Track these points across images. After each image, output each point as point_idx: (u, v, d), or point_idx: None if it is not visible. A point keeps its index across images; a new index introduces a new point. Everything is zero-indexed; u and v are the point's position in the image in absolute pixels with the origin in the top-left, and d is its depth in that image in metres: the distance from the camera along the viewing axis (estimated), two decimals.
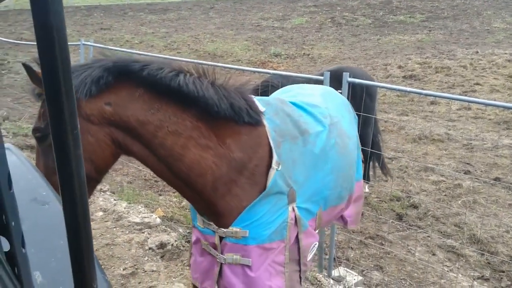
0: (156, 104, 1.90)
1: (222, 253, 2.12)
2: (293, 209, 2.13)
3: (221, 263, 2.14)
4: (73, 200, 0.56)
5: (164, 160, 1.95)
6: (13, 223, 0.66)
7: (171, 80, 1.90)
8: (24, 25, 17.94)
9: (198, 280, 2.30)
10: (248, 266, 2.06)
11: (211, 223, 2.13)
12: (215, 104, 1.95)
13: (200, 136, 1.95)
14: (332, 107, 2.67)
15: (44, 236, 1.33)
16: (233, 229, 2.05)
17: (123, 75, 1.89)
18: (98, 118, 1.85)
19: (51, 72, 0.50)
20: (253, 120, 2.05)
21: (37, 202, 1.45)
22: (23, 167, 1.53)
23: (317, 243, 2.37)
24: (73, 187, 0.55)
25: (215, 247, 2.16)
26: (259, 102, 2.19)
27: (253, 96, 2.20)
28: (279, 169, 2.05)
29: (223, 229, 2.08)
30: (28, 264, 0.73)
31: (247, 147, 2.05)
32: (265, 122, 2.10)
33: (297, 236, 2.18)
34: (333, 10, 21.38)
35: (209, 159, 1.96)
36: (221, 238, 2.12)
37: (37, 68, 1.90)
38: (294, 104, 2.46)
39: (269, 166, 2.05)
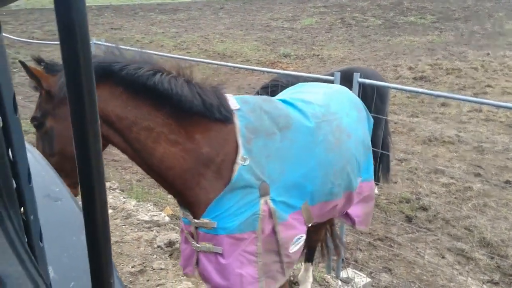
0: (133, 101, 2.09)
1: (197, 241, 2.28)
2: (266, 202, 2.23)
3: (198, 251, 2.31)
4: (92, 194, 0.57)
5: (139, 153, 2.13)
6: (32, 217, 0.67)
7: (147, 79, 2.07)
8: (35, 24, 18.09)
9: (182, 265, 2.48)
10: (221, 254, 2.21)
11: (188, 213, 2.28)
12: (187, 101, 2.10)
13: (170, 132, 2.11)
14: (334, 105, 2.73)
15: (56, 232, 1.34)
16: (203, 220, 2.20)
17: (105, 74, 2.06)
18: None
19: (73, 68, 0.50)
20: (223, 117, 2.18)
21: (50, 198, 1.47)
22: (36, 164, 1.54)
23: (304, 235, 2.46)
24: (92, 181, 0.56)
25: (192, 236, 2.32)
26: (235, 100, 2.32)
27: (228, 95, 2.34)
28: (245, 164, 2.17)
29: (195, 219, 2.23)
30: (45, 257, 0.73)
31: (215, 143, 2.18)
32: (236, 119, 2.23)
33: (274, 228, 2.28)
34: (343, 10, 21.32)
35: (178, 154, 2.12)
36: (196, 228, 2.27)
37: (36, 66, 2.18)
38: (284, 101, 2.58)
39: (235, 161, 2.18)
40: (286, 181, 2.33)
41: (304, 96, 2.74)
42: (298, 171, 2.37)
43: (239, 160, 2.16)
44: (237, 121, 2.22)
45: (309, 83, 3.37)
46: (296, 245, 2.43)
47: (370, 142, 3.02)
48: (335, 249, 3.81)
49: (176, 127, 2.12)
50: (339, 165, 2.56)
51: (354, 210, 2.96)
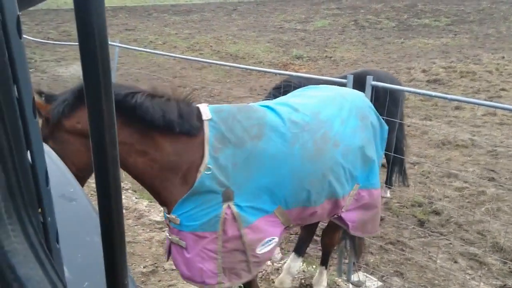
0: None
1: (170, 234, 2.58)
2: (229, 207, 2.45)
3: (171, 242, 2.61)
4: (108, 196, 0.58)
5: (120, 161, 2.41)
6: (49, 219, 0.68)
7: (119, 101, 2.33)
8: (51, 25, 18.31)
9: (165, 255, 2.78)
10: (185, 248, 2.51)
11: (165, 208, 2.59)
12: (149, 118, 2.38)
13: (138, 144, 2.39)
14: (327, 112, 2.83)
15: (70, 232, 1.35)
16: (171, 216, 2.50)
17: (82, 98, 2.36)
18: (74, 132, 2.37)
19: (91, 71, 0.51)
20: (186, 130, 2.43)
21: (65, 199, 1.48)
22: (52, 164, 1.56)
23: (275, 238, 2.65)
24: (108, 184, 0.57)
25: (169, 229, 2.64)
26: (209, 110, 2.54)
27: (203, 105, 2.58)
28: (207, 172, 2.41)
29: (167, 214, 2.54)
30: (61, 259, 0.74)
31: (182, 153, 2.44)
32: (206, 129, 2.46)
33: (239, 231, 2.50)
34: (357, 12, 21.25)
35: (146, 163, 2.42)
36: (169, 221, 2.58)
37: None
38: (270, 108, 2.73)
39: (199, 169, 2.43)
40: (254, 188, 2.51)
41: (298, 101, 2.87)
42: (268, 178, 2.52)
43: (201, 169, 2.41)
44: (207, 131, 2.45)
45: (316, 85, 3.38)
46: (266, 247, 2.63)
47: (373, 150, 3.00)
48: (355, 250, 3.89)
49: (144, 139, 2.40)
50: (318, 173, 2.67)
51: (349, 215, 3.02)
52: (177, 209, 2.46)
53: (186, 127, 2.43)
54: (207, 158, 2.40)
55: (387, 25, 18.60)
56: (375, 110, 3.15)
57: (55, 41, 13.95)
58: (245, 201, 2.49)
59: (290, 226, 2.82)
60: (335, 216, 2.99)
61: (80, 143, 2.38)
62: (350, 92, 3.18)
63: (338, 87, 3.44)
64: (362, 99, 3.16)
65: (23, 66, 0.59)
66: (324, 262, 3.90)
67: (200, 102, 2.70)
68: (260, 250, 2.59)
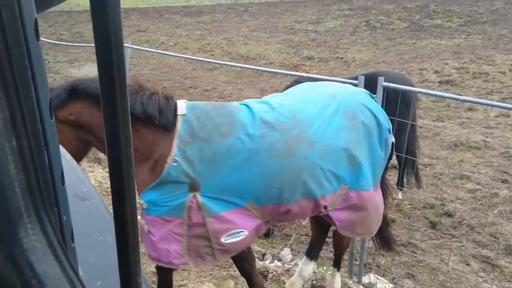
0: (97, 111, 2.64)
1: (141, 218, 2.74)
2: (195, 196, 2.63)
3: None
4: (122, 196, 0.59)
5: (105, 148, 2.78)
6: (64, 218, 0.69)
7: (97, 93, 2.69)
8: (64, 26, 18.50)
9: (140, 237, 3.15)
10: (151, 232, 2.68)
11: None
12: (135, 111, 2.60)
13: None
14: (309, 111, 2.88)
15: (84, 232, 1.37)
16: (139, 201, 2.65)
17: (74, 93, 2.68)
18: (66, 122, 2.67)
19: (107, 73, 0.52)
20: (162, 124, 2.65)
21: (79, 198, 1.50)
22: (66, 164, 1.58)
23: (245, 231, 2.78)
24: (123, 183, 0.58)
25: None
26: (186, 105, 2.73)
27: (181, 101, 2.78)
28: (174, 164, 2.59)
29: (137, 200, 2.72)
30: (76, 258, 0.76)
31: (153, 144, 2.66)
32: (179, 124, 2.65)
33: (204, 219, 2.68)
34: (368, 13, 21.15)
35: None
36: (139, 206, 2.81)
37: None
38: (247, 106, 2.85)
39: (166, 160, 2.62)
40: (222, 182, 2.67)
41: (281, 100, 2.97)
42: (235, 174, 2.66)
43: (168, 160, 2.60)
44: (179, 126, 2.65)
45: (313, 82, 3.37)
46: (234, 238, 2.76)
47: (363, 151, 2.95)
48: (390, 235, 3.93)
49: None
50: (289, 172, 2.73)
51: (336, 214, 3.04)
52: (145, 195, 2.66)
53: (163, 120, 2.65)
54: (174, 151, 2.61)
55: (399, 26, 18.48)
56: (374, 109, 3.05)
57: (68, 42, 14.09)
58: (212, 193, 2.66)
59: (270, 221, 2.93)
60: (322, 214, 3.04)
61: (70, 132, 2.70)
62: (343, 91, 3.11)
63: (337, 83, 3.39)
64: (354, 98, 3.07)
65: (41, 68, 0.60)
66: (336, 263, 3.89)
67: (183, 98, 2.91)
68: (226, 239, 2.74)
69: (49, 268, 0.60)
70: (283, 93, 3.21)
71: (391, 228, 3.91)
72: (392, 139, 3.15)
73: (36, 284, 0.59)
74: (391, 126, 3.14)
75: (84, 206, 1.49)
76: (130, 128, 0.57)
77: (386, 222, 3.76)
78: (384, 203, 3.50)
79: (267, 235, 5.24)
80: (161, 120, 2.65)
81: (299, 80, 5.08)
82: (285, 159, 2.72)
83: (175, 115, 2.68)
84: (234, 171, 2.66)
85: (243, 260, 3.24)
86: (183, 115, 2.68)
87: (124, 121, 0.55)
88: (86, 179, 1.62)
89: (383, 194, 3.49)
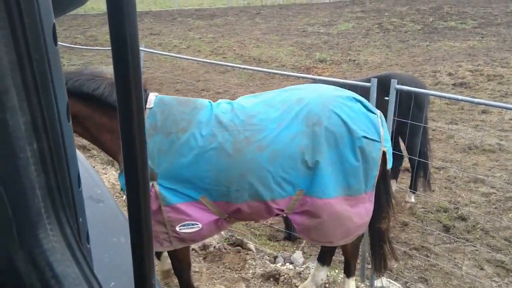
0: (81, 105, 2.86)
1: None
2: (153, 186, 2.82)
3: None
4: (137, 196, 0.60)
5: (91, 136, 3.01)
6: (80, 219, 0.71)
7: (81, 86, 2.87)
8: (78, 30, 18.70)
9: None
10: None
11: None
12: (109, 101, 2.85)
13: (109, 124, 2.89)
14: (268, 115, 2.94)
15: (98, 233, 1.39)
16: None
17: None
18: None
19: (123, 76, 0.53)
20: None
21: (93, 200, 1.52)
22: (80, 166, 1.61)
23: (199, 224, 2.95)
24: (137, 184, 0.59)
25: None
26: (155, 99, 2.93)
27: (153, 94, 2.99)
28: None
29: None
30: (91, 258, 0.77)
31: None
32: (145, 116, 2.82)
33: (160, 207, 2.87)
34: (381, 15, 21.05)
35: (114, 139, 2.93)
36: None
37: None
38: (210, 104, 3.03)
39: None
40: (177, 174, 2.84)
41: (246, 102, 3.08)
42: (187, 168, 2.83)
43: None
44: (146, 119, 2.82)
45: (297, 86, 3.36)
46: (188, 228, 2.95)
47: (321, 157, 2.88)
48: (384, 254, 3.74)
49: (109, 121, 2.89)
50: (235, 172, 2.85)
51: (294, 217, 3.11)
52: (120, 178, 3.12)
53: None
54: None
55: (412, 28, 18.36)
56: (346, 116, 2.94)
57: (83, 45, 14.23)
58: (169, 184, 2.85)
59: (226, 218, 3.08)
60: (282, 215, 3.18)
61: None
62: (313, 96, 3.03)
63: (324, 87, 3.28)
64: (322, 104, 2.98)
65: (58, 72, 0.62)
66: (345, 270, 3.81)
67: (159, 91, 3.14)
68: (181, 229, 2.92)
69: (67, 268, 0.61)
70: (257, 95, 3.25)
71: (390, 244, 3.71)
72: (375, 147, 2.99)
73: (55, 284, 0.60)
74: (372, 134, 2.99)
75: (98, 208, 1.51)
76: (145, 128, 0.58)
77: (382, 239, 3.61)
78: (378, 218, 3.43)
79: (288, 238, 5.22)
80: None
81: (315, 83, 5.05)
82: (233, 159, 2.84)
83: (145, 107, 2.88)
84: (187, 166, 2.83)
85: (177, 261, 3.43)
86: (150, 108, 2.88)
87: (139, 122, 0.56)
88: (100, 181, 1.64)
89: (380, 210, 3.40)
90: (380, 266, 3.75)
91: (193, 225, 2.95)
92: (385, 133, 3.10)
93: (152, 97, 2.94)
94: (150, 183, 2.80)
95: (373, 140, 2.98)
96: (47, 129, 0.59)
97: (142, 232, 0.62)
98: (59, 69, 0.62)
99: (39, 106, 0.57)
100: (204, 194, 2.91)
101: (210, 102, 3.07)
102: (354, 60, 14.05)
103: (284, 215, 3.17)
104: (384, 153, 3.07)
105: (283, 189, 2.92)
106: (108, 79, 2.96)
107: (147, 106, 2.89)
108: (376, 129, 3.01)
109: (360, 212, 3.13)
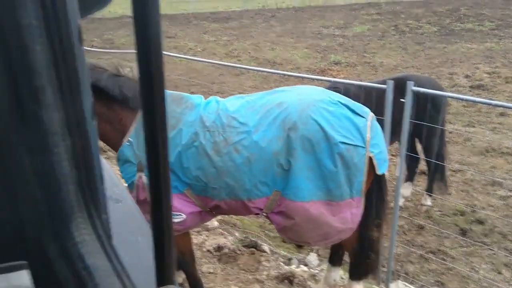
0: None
1: None
2: (141, 177, 2.98)
3: None
4: (159, 195, 0.61)
5: None
6: (104, 216, 0.73)
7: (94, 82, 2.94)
8: (95, 33, 18.95)
9: None
10: None
11: None
12: (110, 93, 3.02)
13: (107, 114, 3.06)
14: (246, 119, 3.01)
15: (117, 233, 1.41)
16: None
17: None
18: None
19: (147, 78, 0.55)
20: (134, 107, 3.04)
21: (112, 200, 1.55)
22: None
23: (184, 216, 3.13)
24: (160, 183, 0.60)
25: None
26: None
27: None
28: (128, 144, 3.01)
29: None
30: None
31: (124, 124, 3.07)
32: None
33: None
34: (397, 17, 20.92)
35: (111, 130, 3.11)
36: None
37: None
38: (199, 104, 3.15)
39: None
40: None
41: (229, 104, 3.15)
42: (174, 162, 2.98)
43: (124, 140, 3.02)
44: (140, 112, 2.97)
45: (284, 88, 3.37)
46: (173, 218, 2.99)
47: (295, 161, 2.87)
48: (368, 264, 3.59)
49: (108, 111, 3.06)
50: (213, 171, 2.98)
51: (273, 216, 3.19)
52: (120, 151, 3.13)
53: (134, 104, 3.05)
54: (131, 132, 3.01)
55: (429, 30, 18.21)
56: (324, 122, 2.89)
57: (99, 48, 14.41)
58: None
59: (207, 211, 3.23)
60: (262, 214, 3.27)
61: None
62: (292, 101, 3.01)
63: (309, 89, 3.25)
64: (301, 109, 2.95)
65: (84, 71, 0.64)
66: (351, 274, 3.69)
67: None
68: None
69: (98, 261, 0.63)
70: (244, 96, 3.31)
71: (378, 255, 3.58)
72: (358, 152, 2.93)
73: (86, 276, 0.62)
74: (354, 139, 2.92)
75: (116, 207, 1.53)
76: (168, 130, 0.59)
77: (372, 248, 3.48)
78: (370, 225, 3.36)
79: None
80: (132, 103, 3.04)
81: (335, 86, 5.01)
82: (211, 159, 2.97)
83: None
84: (173, 160, 2.98)
85: (180, 253, 3.54)
86: None
87: (162, 124, 0.58)
88: (118, 180, 1.66)
89: (372, 216, 3.33)
90: (358, 273, 3.65)
91: (177, 215, 3.12)
92: (374, 137, 3.00)
93: None
94: (138, 174, 3.00)
95: (354, 145, 2.92)
96: (78, 126, 0.61)
97: (164, 232, 0.64)
98: (85, 69, 0.64)
99: (71, 104, 0.59)
100: (187, 186, 3.08)
101: (201, 101, 3.20)
102: (370, 62, 13.99)
103: (264, 214, 3.22)
104: (371, 158, 3.00)
105: (259, 190, 3.02)
106: (108, 71, 3.11)
107: None
108: (361, 133, 2.95)
109: (344, 217, 3.09)
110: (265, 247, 4.73)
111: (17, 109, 0.57)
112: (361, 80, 10.85)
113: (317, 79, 6.90)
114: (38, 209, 0.62)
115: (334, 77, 11.70)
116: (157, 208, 0.63)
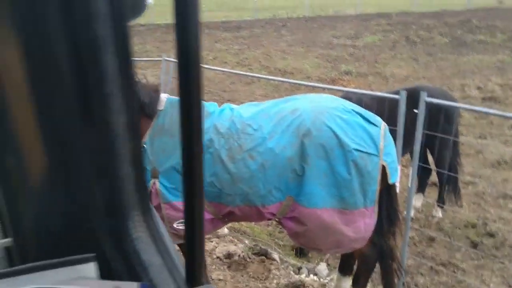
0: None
1: None
2: (155, 183, 2.99)
3: None
4: (193, 194, 0.64)
5: None
6: (155, 214, 0.77)
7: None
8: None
9: None
10: None
11: None
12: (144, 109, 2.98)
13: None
14: (260, 125, 3.02)
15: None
16: None
17: None
18: None
19: (187, 87, 0.58)
20: (149, 114, 3.01)
21: None
22: None
23: None
24: (194, 180, 0.63)
25: None
26: (167, 101, 3.07)
27: (164, 95, 3.11)
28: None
29: None
30: None
31: (142, 131, 3.00)
32: (157, 117, 3.02)
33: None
34: (408, 28, 20.90)
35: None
36: None
37: None
38: (213, 111, 3.15)
39: None
40: (176, 174, 2.96)
41: (243, 111, 3.16)
42: None
43: None
44: (156, 119, 3.02)
45: (297, 96, 3.39)
46: (181, 226, 3.03)
47: (309, 168, 2.89)
48: (391, 272, 3.62)
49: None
50: (227, 178, 2.98)
51: (286, 222, 3.18)
52: None
53: (150, 110, 3.02)
54: (145, 139, 2.98)
55: (440, 41, 18.17)
56: (338, 129, 2.91)
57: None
58: (169, 182, 3.00)
59: (220, 218, 3.21)
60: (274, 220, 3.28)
61: None
62: (306, 108, 3.04)
63: (314, 98, 3.27)
64: (314, 116, 2.97)
65: (134, 78, 0.68)
66: (354, 280, 3.71)
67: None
68: (178, 226, 3.06)
69: (152, 257, 0.67)
70: (257, 104, 3.35)
71: (398, 261, 3.60)
72: (371, 160, 2.93)
73: (141, 271, 0.65)
74: (368, 147, 2.93)
75: None
76: (203, 141, 0.62)
77: (391, 256, 3.50)
78: (383, 234, 3.36)
79: (300, 251, 5.19)
80: (148, 110, 3.01)
81: (347, 96, 5.01)
82: (225, 165, 2.97)
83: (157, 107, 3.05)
84: None
85: None
86: (161, 110, 3.04)
87: (198, 135, 0.61)
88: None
89: (385, 225, 3.33)
90: (390, 284, 3.66)
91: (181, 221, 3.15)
92: (387, 146, 3.02)
93: (163, 99, 3.10)
94: (152, 180, 3.00)
95: (368, 153, 2.93)
96: (136, 129, 0.65)
97: (195, 230, 0.66)
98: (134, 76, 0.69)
99: (131, 109, 0.63)
100: None
101: (215, 108, 3.20)
102: (380, 73, 13.98)
103: (276, 219, 3.23)
104: (384, 167, 3.01)
105: (273, 195, 3.02)
106: (146, 87, 3.09)
107: (159, 108, 3.05)
108: (374, 142, 2.96)
109: (357, 227, 3.08)
110: (275, 256, 4.73)
111: (88, 115, 0.61)
112: (372, 90, 10.86)
113: (328, 88, 6.92)
114: (101, 206, 0.66)
115: (345, 87, 11.71)
116: (190, 211, 0.65)
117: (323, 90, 10.24)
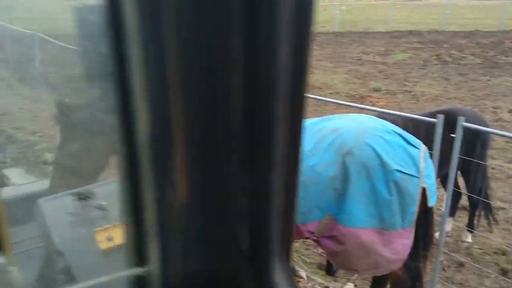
0: None
1: None
2: None
3: None
4: (292, 204, 0.65)
5: None
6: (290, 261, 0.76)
7: None
8: None
9: None
10: None
11: None
12: None
13: None
14: (307, 143, 3.01)
15: None
16: None
17: None
18: None
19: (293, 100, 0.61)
20: None
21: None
22: None
23: None
24: (292, 196, 0.65)
25: None
26: None
27: None
28: None
29: None
30: None
31: None
32: None
33: None
34: (439, 47, 20.70)
35: None
36: None
37: None
38: None
39: None
40: None
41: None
42: None
43: None
44: None
45: (339, 115, 3.42)
46: None
47: (350, 187, 2.89)
48: None
49: None
50: None
51: (324, 241, 3.15)
52: None
53: None
54: None
55: (472, 62, 17.92)
56: (380, 148, 2.93)
57: None
58: None
59: None
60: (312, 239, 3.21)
61: None
62: (348, 127, 3.07)
63: (356, 117, 3.32)
64: (356, 135, 3.00)
65: None
66: None
67: None
68: None
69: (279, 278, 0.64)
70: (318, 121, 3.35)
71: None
72: (413, 182, 2.94)
73: None
74: (409, 168, 2.94)
75: None
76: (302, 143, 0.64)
77: (418, 279, 3.48)
78: (416, 256, 3.34)
79: (328, 271, 5.17)
80: None
81: (382, 116, 4.98)
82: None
83: None
84: None
85: None
86: None
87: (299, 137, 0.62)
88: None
89: (419, 248, 3.32)
90: None
91: None
92: (427, 168, 3.03)
93: None
94: None
95: (409, 175, 2.94)
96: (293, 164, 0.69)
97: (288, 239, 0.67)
98: None
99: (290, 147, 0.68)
100: None
101: None
102: (410, 91, 13.85)
103: (314, 238, 3.19)
104: (424, 189, 3.01)
105: (312, 213, 3.01)
106: None
107: None
108: (415, 164, 2.97)
109: (395, 248, 3.07)
110: (302, 273, 4.72)
111: (250, 150, 0.59)
112: (401, 109, 10.77)
113: (355, 106, 6.90)
114: (245, 250, 0.62)
115: (374, 104, 11.65)
116: (288, 214, 0.66)
117: (347, 107, 10.22)
